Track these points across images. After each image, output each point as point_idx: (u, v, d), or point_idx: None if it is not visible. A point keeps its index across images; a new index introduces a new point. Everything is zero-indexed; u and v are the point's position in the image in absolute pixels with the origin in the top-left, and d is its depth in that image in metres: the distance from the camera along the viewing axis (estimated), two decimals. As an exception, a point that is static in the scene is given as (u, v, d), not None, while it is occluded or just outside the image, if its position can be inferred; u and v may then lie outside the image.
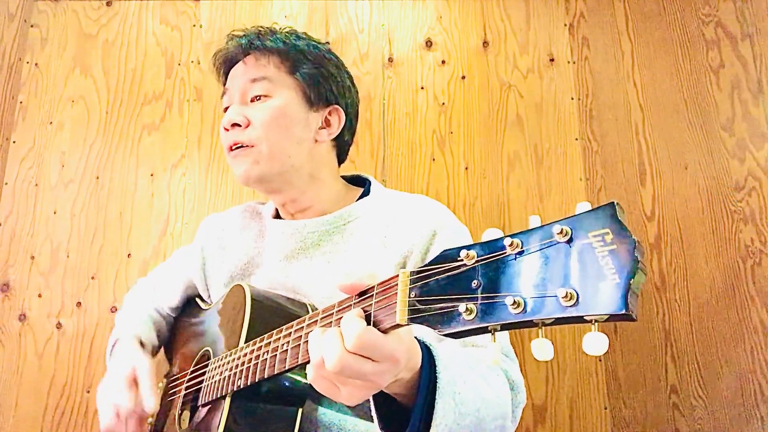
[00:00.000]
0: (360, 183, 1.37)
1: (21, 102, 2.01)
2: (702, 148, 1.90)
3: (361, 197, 1.29)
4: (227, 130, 1.22)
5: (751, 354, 1.75)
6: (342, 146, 1.35)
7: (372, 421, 1.06)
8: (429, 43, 2.03)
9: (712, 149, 1.90)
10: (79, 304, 1.86)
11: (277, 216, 1.36)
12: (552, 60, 2.01)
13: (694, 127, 1.92)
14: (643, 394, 1.75)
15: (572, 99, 1.98)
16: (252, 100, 1.23)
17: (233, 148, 1.21)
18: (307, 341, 0.78)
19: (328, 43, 1.37)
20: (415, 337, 0.78)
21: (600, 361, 1.77)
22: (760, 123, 1.89)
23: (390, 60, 2.02)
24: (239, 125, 1.21)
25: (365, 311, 0.71)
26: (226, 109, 1.27)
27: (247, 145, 1.20)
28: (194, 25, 2.08)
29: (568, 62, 2.00)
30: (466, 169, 1.93)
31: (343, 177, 1.38)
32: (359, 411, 1.09)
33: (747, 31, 1.97)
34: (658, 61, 1.99)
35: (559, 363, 1.78)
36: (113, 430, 1.14)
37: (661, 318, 1.80)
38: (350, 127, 1.35)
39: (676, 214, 1.87)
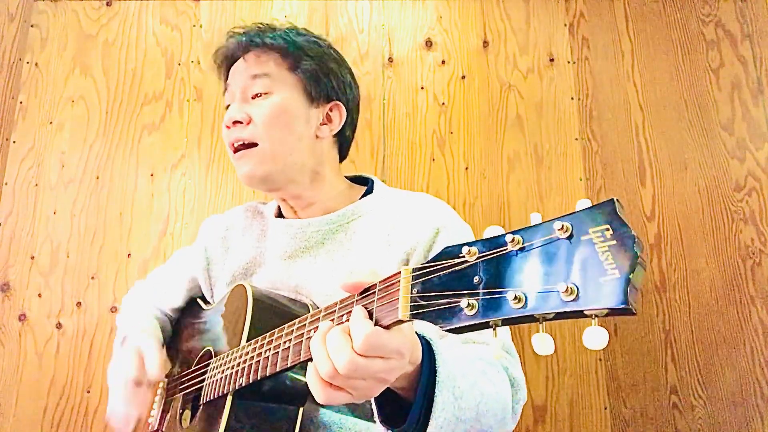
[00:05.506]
0: (363, 183, 1.37)
1: (21, 102, 2.01)
2: (702, 148, 1.90)
3: (364, 195, 1.29)
4: (229, 127, 1.22)
5: (751, 354, 1.75)
6: (343, 142, 1.36)
7: (371, 420, 1.07)
8: (429, 43, 2.03)
9: (712, 149, 1.90)
10: (79, 304, 1.86)
11: (280, 214, 1.36)
12: (552, 60, 2.01)
13: (694, 127, 1.92)
14: (643, 394, 1.75)
15: (572, 99, 1.98)
16: (253, 97, 1.23)
17: (236, 146, 1.22)
18: (309, 338, 0.78)
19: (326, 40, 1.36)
20: (416, 332, 0.78)
21: (600, 360, 1.77)
22: (760, 123, 1.89)
23: (390, 60, 2.02)
24: (241, 122, 1.21)
25: (367, 308, 0.71)
26: (227, 106, 1.28)
27: (249, 143, 1.21)
28: (194, 25, 2.08)
29: (568, 62, 2.01)
30: (466, 169, 1.93)
31: (346, 177, 1.38)
32: (359, 411, 1.09)
33: (747, 31, 1.97)
34: (658, 61, 1.99)
35: (559, 363, 1.78)
36: (124, 401, 1.16)
37: (661, 318, 1.80)
38: (351, 122, 1.35)
39: (676, 214, 1.87)
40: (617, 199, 0.50)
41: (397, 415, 0.80)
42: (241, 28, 1.30)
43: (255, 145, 1.20)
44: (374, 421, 1.08)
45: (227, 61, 1.32)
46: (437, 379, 0.78)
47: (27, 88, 2.03)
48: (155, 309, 1.41)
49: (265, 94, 1.22)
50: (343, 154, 1.38)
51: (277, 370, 0.85)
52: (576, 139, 1.94)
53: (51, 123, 2.00)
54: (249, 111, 1.22)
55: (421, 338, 0.79)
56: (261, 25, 1.29)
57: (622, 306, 0.46)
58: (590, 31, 2.03)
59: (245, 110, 1.22)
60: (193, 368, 1.20)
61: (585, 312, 0.49)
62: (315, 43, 1.30)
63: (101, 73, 2.04)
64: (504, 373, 0.99)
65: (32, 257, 1.90)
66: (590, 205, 0.52)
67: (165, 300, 1.42)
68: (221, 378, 1.01)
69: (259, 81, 1.23)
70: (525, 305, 0.53)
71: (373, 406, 0.82)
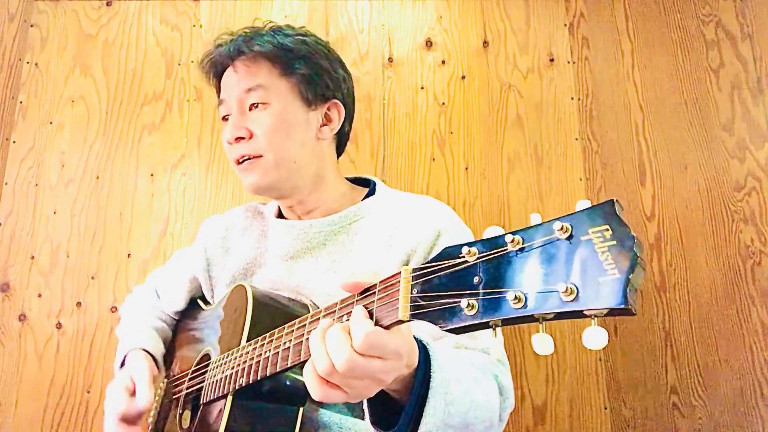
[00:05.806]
0: (365, 184, 1.37)
1: (21, 102, 2.01)
2: (702, 148, 1.90)
3: (366, 197, 1.29)
4: (231, 143, 1.22)
5: (751, 354, 1.74)
6: (342, 137, 1.36)
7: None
8: (429, 43, 2.03)
9: (712, 149, 1.90)
10: (79, 304, 1.86)
11: (280, 215, 1.36)
12: (552, 60, 2.01)
13: (694, 127, 1.92)
14: (643, 394, 1.75)
15: (572, 99, 1.97)
16: (250, 108, 1.23)
17: (240, 160, 1.22)
18: (309, 338, 0.78)
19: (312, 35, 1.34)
20: (414, 336, 0.78)
21: (600, 360, 1.77)
22: (760, 123, 1.89)
23: (390, 60, 2.02)
24: (243, 138, 1.21)
25: (367, 308, 0.71)
26: (224, 117, 1.27)
27: (253, 156, 1.21)
28: (194, 25, 2.08)
29: (568, 62, 2.00)
30: (466, 169, 1.93)
31: (347, 178, 1.38)
32: (358, 411, 1.10)
33: (747, 31, 1.97)
34: (658, 61, 1.99)
35: (559, 363, 1.78)
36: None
37: (661, 318, 1.79)
38: (349, 116, 1.35)
39: (676, 214, 1.87)
40: (617, 200, 0.51)
41: (388, 417, 0.80)
42: (227, 35, 1.29)
43: (259, 156, 1.21)
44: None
45: (215, 69, 1.32)
46: (431, 384, 0.78)
47: (27, 88, 2.03)
48: (155, 318, 1.40)
49: (262, 104, 1.22)
50: (340, 150, 1.38)
51: (278, 370, 0.85)
52: (576, 139, 1.94)
53: (51, 123, 2.00)
54: (249, 125, 1.22)
55: (418, 342, 0.80)
56: (246, 32, 1.28)
57: (622, 306, 0.47)
58: (590, 31, 2.03)
59: (245, 124, 1.22)
60: (192, 368, 1.20)
61: (584, 312, 0.50)
62: (302, 42, 1.28)
63: (101, 73, 2.04)
64: (494, 381, 1.00)
65: (32, 257, 1.90)
66: (590, 205, 0.53)
67: (169, 305, 1.42)
68: (221, 378, 1.01)
69: (254, 93, 1.22)
70: (525, 305, 0.53)
71: (365, 407, 0.82)
